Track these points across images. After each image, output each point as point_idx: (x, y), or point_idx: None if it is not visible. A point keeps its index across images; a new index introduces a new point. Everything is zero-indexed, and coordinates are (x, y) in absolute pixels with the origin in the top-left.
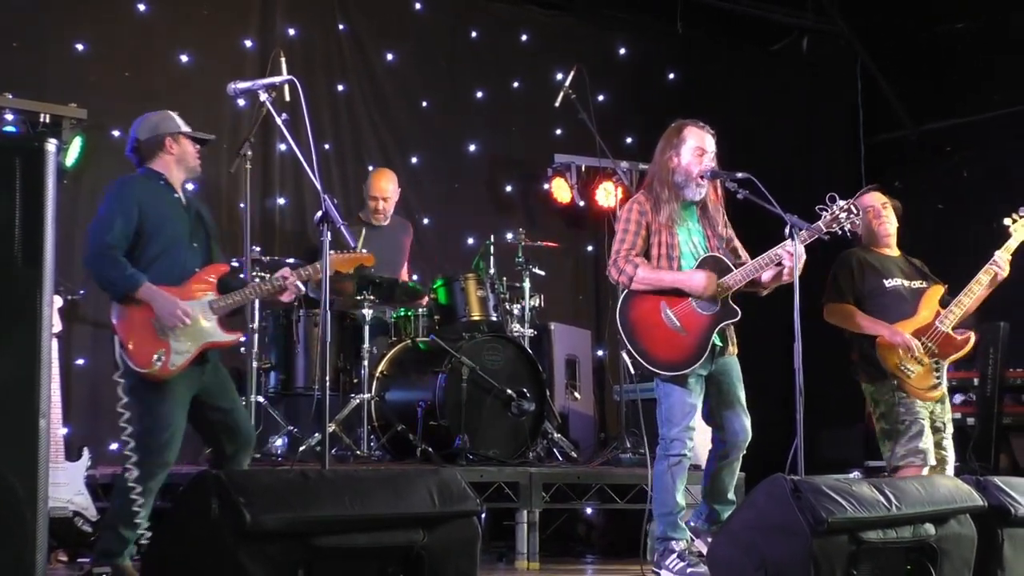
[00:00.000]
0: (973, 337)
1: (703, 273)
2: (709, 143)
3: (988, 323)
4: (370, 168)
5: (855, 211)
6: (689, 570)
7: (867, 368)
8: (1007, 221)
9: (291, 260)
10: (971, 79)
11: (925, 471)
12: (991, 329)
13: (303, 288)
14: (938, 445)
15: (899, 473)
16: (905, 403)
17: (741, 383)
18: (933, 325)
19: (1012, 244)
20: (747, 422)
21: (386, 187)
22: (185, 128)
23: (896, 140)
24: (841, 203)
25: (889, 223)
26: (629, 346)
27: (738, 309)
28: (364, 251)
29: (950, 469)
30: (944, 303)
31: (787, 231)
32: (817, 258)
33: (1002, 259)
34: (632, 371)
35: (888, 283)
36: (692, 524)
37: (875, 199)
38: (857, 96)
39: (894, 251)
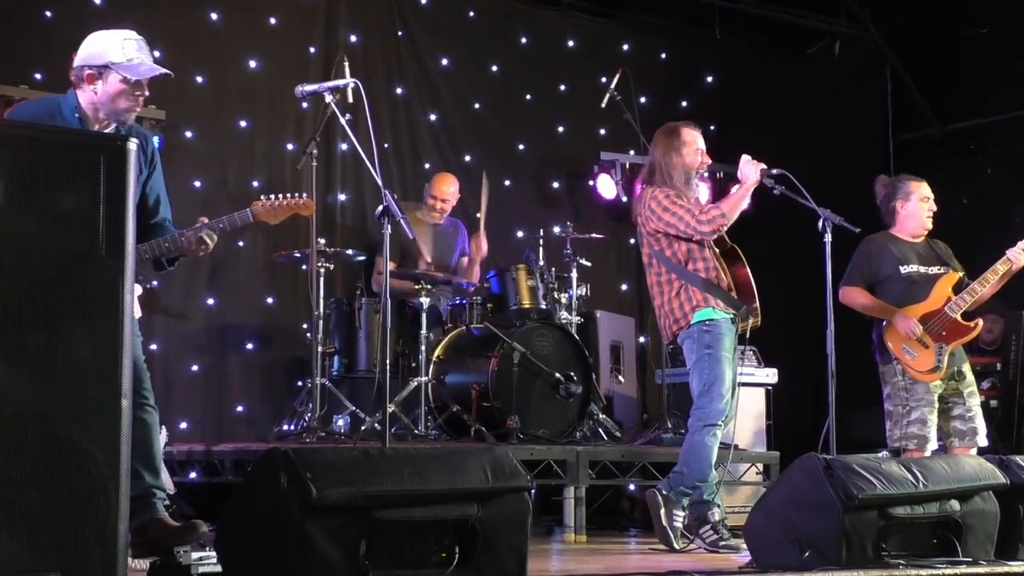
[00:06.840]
0: (980, 324)
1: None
2: (702, 142)
3: (1012, 312)
4: (426, 166)
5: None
6: (722, 543)
7: (879, 349)
8: None
9: (349, 251)
10: (995, 81)
11: (926, 454)
12: (1014, 318)
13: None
14: (961, 418)
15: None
16: (910, 387)
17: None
18: (942, 311)
19: None
20: None
21: (447, 190)
22: (126, 59)
23: (922, 139)
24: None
25: (930, 217)
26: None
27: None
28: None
29: (981, 439)
30: (959, 290)
31: (820, 224)
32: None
33: (1013, 253)
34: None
35: (903, 269)
36: (664, 492)
37: (927, 189)
38: (886, 98)
39: (919, 238)
